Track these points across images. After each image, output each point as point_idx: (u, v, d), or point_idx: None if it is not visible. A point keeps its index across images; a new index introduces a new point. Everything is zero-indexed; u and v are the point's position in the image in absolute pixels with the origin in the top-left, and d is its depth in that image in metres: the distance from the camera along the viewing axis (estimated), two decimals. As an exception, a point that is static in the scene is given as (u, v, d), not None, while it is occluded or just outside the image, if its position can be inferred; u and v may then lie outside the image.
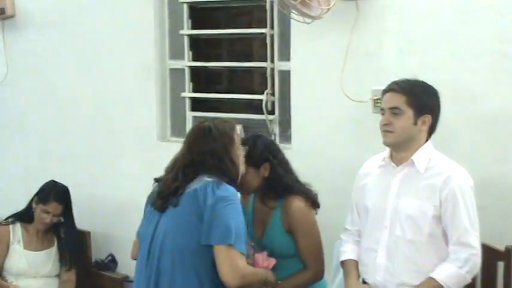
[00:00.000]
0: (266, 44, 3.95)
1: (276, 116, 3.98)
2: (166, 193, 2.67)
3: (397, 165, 2.79)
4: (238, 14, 4.17)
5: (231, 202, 2.59)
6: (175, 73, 4.32)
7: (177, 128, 4.30)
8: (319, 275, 3.03)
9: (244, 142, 3.00)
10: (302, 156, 3.48)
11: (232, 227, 2.53)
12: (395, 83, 2.79)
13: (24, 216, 4.08)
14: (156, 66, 4.26)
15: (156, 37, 4.24)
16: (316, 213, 3.05)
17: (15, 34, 4.72)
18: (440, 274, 2.66)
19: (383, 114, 2.77)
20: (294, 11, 3.23)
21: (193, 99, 4.29)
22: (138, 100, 4.31)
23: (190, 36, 4.26)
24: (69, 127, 4.59)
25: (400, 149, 2.78)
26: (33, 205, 4.03)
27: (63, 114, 4.61)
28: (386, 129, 2.74)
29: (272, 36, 3.93)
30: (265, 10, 3.91)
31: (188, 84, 4.28)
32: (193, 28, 4.25)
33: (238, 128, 2.77)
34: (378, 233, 2.79)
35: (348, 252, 2.98)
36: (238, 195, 2.68)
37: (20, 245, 4.03)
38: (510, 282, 3.09)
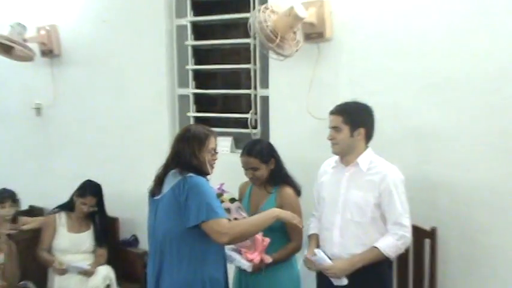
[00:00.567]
0: (250, 76, 3.96)
1: (258, 130, 3.99)
2: (156, 182, 2.68)
3: (346, 166, 2.83)
4: (229, 53, 4.18)
5: (195, 189, 2.52)
6: (182, 98, 4.33)
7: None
8: (300, 246, 3.07)
9: (248, 147, 3.10)
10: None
11: (202, 206, 2.49)
12: (336, 106, 2.84)
13: (67, 207, 4.10)
14: (167, 93, 4.26)
15: (167, 71, 4.25)
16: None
17: (60, 68, 4.72)
18: (381, 244, 2.71)
19: (329, 129, 2.82)
20: (271, 52, 3.28)
21: (196, 118, 4.29)
22: (154, 118, 4.32)
23: (194, 70, 4.27)
24: (101, 139, 4.60)
25: (344, 155, 2.83)
26: (74, 198, 4.06)
27: (97, 129, 4.62)
28: (332, 142, 2.81)
29: (255, 70, 3.95)
30: (250, 50, 3.93)
31: (192, 106, 4.29)
32: (195, 64, 4.26)
33: (214, 138, 2.72)
34: (333, 216, 2.83)
35: (312, 229, 3.02)
36: (205, 180, 2.60)
37: (65, 228, 4.04)
38: (434, 255, 3.11)
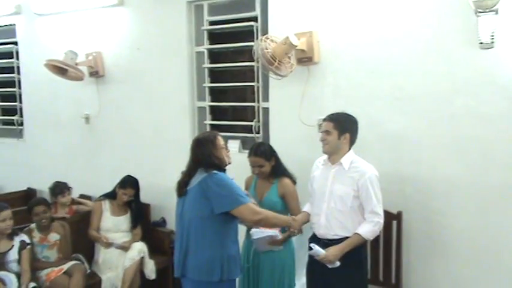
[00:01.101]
0: (255, 91, 3.93)
1: (260, 135, 3.94)
2: (182, 185, 2.63)
3: (332, 164, 2.80)
4: (237, 73, 4.13)
5: (221, 181, 2.52)
6: (200, 109, 4.28)
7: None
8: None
9: (254, 149, 3.13)
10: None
11: (233, 195, 2.50)
12: (330, 115, 2.82)
13: (111, 195, 4.07)
14: (188, 105, 4.22)
15: (189, 88, 4.20)
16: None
17: (104, 86, 4.69)
18: (362, 230, 2.69)
19: (322, 133, 2.79)
20: (271, 72, 3.28)
21: (211, 125, 4.25)
22: (178, 125, 4.28)
23: (209, 87, 4.23)
24: (136, 141, 4.56)
25: (331, 154, 2.80)
26: (117, 189, 4.04)
27: (133, 134, 4.58)
28: (323, 143, 2.77)
29: (258, 87, 3.91)
30: (254, 71, 3.90)
31: (208, 116, 4.25)
32: (211, 82, 4.22)
33: (219, 136, 2.71)
34: (321, 204, 2.80)
35: (305, 207, 3.00)
36: (227, 175, 2.61)
37: (108, 212, 4.02)
38: (400, 233, 3.11)
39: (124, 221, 4.03)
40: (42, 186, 4.82)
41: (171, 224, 4.20)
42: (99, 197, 4.14)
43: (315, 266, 2.81)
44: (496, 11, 2.64)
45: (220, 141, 2.69)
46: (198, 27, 4.17)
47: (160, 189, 4.23)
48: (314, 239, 2.84)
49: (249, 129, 3.98)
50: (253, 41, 3.75)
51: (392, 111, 3.18)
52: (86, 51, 4.61)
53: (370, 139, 3.23)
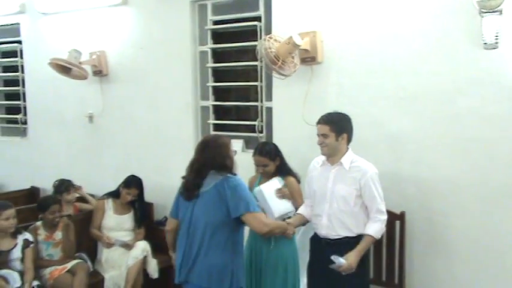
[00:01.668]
0: (258, 91, 3.95)
1: (264, 134, 3.96)
2: (192, 188, 2.56)
3: (331, 165, 2.79)
4: (241, 73, 4.15)
5: (239, 186, 2.50)
6: (204, 109, 4.30)
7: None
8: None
9: (259, 149, 3.14)
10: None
11: (248, 200, 2.48)
12: (322, 117, 2.79)
13: (114, 194, 4.08)
14: (192, 104, 4.24)
15: (192, 87, 4.22)
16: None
17: (108, 85, 4.71)
18: (372, 231, 2.69)
19: (319, 136, 2.78)
20: (274, 72, 3.28)
21: (214, 124, 4.26)
22: (182, 124, 4.30)
23: (213, 87, 4.24)
24: (139, 140, 4.58)
25: (330, 156, 2.79)
26: (120, 189, 4.05)
27: (136, 133, 4.60)
28: (321, 146, 2.77)
29: (261, 86, 3.93)
30: (257, 71, 3.91)
31: (211, 115, 4.27)
32: (214, 81, 4.24)
33: (231, 141, 2.68)
34: (322, 205, 2.80)
35: (300, 210, 3.00)
36: (240, 177, 2.59)
37: (111, 211, 4.03)
38: (403, 233, 3.12)
39: (127, 219, 4.04)
40: (46, 185, 4.87)
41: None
42: (103, 195, 4.16)
43: (315, 266, 2.82)
44: (500, 12, 2.65)
45: (232, 146, 2.67)
46: (202, 27, 4.19)
47: (163, 188, 4.24)
48: (315, 239, 2.86)
49: (252, 128, 3.99)
50: (256, 40, 3.76)
51: (396, 111, 3.19)
52: (90, 50, 4.63)
53: (374, 139, 3.23)
